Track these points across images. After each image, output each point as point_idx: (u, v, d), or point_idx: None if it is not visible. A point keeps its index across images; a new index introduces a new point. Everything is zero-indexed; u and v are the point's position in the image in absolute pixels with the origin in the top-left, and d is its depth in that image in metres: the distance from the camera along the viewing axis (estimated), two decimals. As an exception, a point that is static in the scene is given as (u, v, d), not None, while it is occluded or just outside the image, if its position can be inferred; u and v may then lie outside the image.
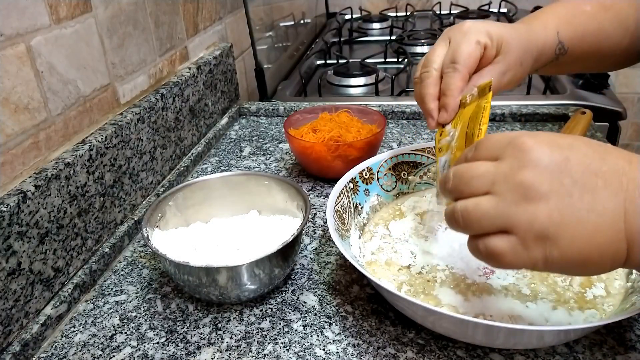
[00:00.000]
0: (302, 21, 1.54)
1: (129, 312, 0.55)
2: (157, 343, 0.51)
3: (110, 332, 0.53)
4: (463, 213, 0.38)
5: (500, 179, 0.36)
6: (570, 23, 0.57)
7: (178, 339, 0.51)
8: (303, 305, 0.54)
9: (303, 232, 0.59)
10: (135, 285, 0.59)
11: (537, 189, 0.35)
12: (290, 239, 0.52)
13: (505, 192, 0.36)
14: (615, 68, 0.65)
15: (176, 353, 0.50)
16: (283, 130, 0.82)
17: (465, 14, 1.64)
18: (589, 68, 0.66)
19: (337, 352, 0.48)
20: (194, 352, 0.49)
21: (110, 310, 0.56)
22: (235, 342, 0.50)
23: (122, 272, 0.61)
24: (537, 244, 0.35)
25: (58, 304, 0.54)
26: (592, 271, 0.37)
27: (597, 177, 0.35)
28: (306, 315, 0.53)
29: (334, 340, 0.50)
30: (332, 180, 0.70)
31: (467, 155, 0.41)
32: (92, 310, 0.56)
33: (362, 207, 0.62)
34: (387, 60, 1.32)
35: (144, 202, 0.71)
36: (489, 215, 0.36)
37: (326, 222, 0.66)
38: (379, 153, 0.69)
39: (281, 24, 1.33)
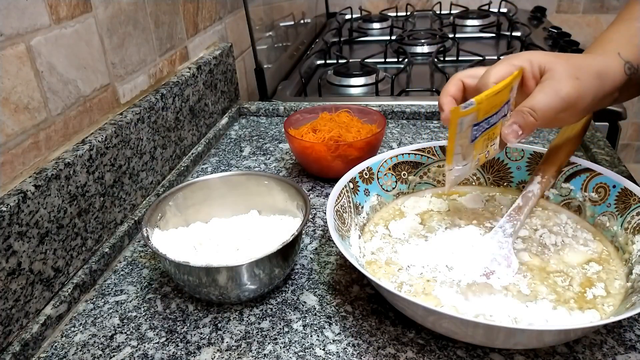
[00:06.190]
0: (302, 21, 1.54)
1: (129, 312, 0.55)
2: (157, 343, 0.51)
3: (110, 332, 0.53)
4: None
5: None
6: (629, 42, 0.55)
7: (178, 339, 0.51)
8: (303, 305, 0.54)
9: (303, 232, 0.59)
10: (135, 285, 0.59)
11: None
12: (290, 239, 0.52)
13: None
14: None
15: (176, 353, 0.50)
16: (283, 130, 0.82)
17: (465, 14, 1.64)
18: None
19: (337, 352, 0.48)
20: (194, 352, 0.49)
21: (110, 310, 0.56)
22: (235, 342, 0.50)
23: (122, 272, 0.61)
24: None
25: (58, 304, 0.54)
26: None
27: None
28: (306, 315, 0.53)
29: (334, 340, 0.50)
30: (332, 180, 0.70)
31: None
32: (92, 310, 0.56)
33: (362, 207, 0.62)
34: (387, 60, 1.32)
35: (144, 202, 0.71)
36: None
37: (326, 222, 0.66)
38: (379, 153, 0.69)
39: (281, 24, 1.33)
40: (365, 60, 1.25)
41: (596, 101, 0.51)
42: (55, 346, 0.52)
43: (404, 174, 0.66)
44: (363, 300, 0.54)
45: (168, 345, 0.50)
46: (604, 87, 0.51)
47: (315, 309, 0.54)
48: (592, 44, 0.58)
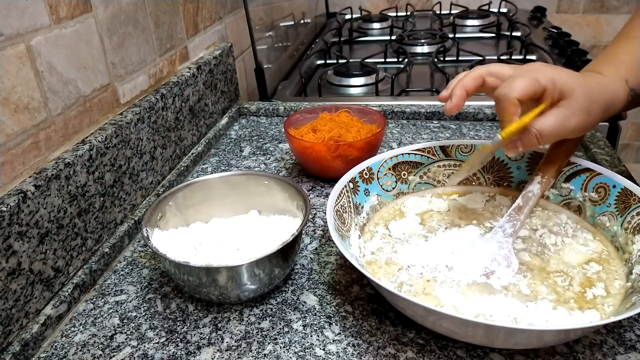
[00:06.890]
0: (302, 21, 1.54)
1: (129, 312, 0.55)
2: (157, 343, 0.51)
3: (110, 332, 0.53)
4: None
5: None
6: (636, 68, 0.57)
7: (178, 339, 0.51)
8: (303, 305, 0.54)
9: (303, 232, 0.59)
10: (135, 285, 0.59)
11: None
12: (290, 239, 0.52)
13: None
14: None
15: (176, 353, 0.50)
16: (283, 130, 0.82)
17: (465, 14, 1.64)
18: None
19: (337, 352, 0.48)
20: (194, 352, 0.49)
21: (110, 310, 0.56)
22: (235, 342, 0.50)
23: (122, 272, 0.61)
24: None
25: (58, 304, 0.54)
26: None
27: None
28: (306, 315, 0.53)
29: (334, 340, 0.50)
30: (332, 180, 0.70)
31: None
32: (92, 310, 0.56)
33: (362, 207, 0.62)
34: (387, 60, 1.32)
35: (144, 202, 0.71)
36: None
37: (326, 222, 0.66)
38: (379, 153, 0.69)
39: (281, 24, 1.33)
40: (365, 60, 1.25)
41: (596, 125, 0.56)
42: (55, 346, 0.52)
43: (404, 174, 0.66)
44: (363, 300, 0.54)
45: (168, 345, 0.50)
46: (607, 115, 0.55)
47: (315, 309, 0.54)
48: (604, 56, 0.60)
